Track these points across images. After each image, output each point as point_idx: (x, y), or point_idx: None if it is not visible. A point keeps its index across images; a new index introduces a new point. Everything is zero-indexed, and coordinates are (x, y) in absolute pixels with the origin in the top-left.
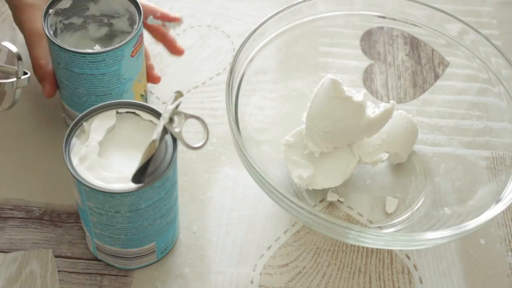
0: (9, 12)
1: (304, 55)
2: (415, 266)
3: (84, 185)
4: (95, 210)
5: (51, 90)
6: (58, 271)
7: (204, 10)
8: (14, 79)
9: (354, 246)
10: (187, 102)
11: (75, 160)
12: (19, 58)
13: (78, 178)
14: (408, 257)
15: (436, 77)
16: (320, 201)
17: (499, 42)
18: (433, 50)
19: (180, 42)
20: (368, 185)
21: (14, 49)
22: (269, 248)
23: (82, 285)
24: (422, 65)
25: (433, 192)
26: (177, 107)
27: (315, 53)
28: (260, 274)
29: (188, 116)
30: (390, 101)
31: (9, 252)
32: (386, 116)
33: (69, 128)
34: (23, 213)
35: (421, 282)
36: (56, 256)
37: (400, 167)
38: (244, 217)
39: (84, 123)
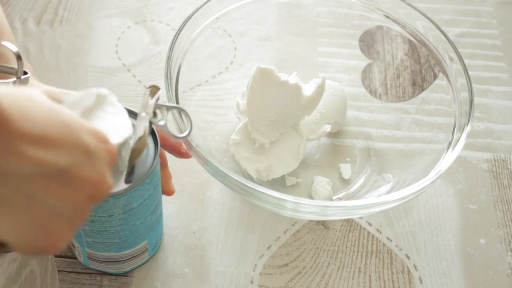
0: (9, 10)
1: (303, 55)
2: (415, 266)
3: None
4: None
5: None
6: (58, 271)
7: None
8: (14, 79)
9: (354, 246)
10: (190, 100)
11: None
12: (19, 58)
13: None
14: (408, 257)
15: (435, 76)
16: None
17: (499, 42)
18: (432, 49)
19: None
20: (318, 159)
21: (14, 49)
22: (269, 248)
23: (82, 285)
24: (421, 64)
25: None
26: (156, 101)
27: (314, 53)
28: (260, 274)
29: (169, 108)
30: (320, 75)
31: (9, 252)
32: (320, 91)
33: None
34: None
35: (421, 282)
36: (56, 256)
37: (339, 134)
38: (244, 217)
39: None
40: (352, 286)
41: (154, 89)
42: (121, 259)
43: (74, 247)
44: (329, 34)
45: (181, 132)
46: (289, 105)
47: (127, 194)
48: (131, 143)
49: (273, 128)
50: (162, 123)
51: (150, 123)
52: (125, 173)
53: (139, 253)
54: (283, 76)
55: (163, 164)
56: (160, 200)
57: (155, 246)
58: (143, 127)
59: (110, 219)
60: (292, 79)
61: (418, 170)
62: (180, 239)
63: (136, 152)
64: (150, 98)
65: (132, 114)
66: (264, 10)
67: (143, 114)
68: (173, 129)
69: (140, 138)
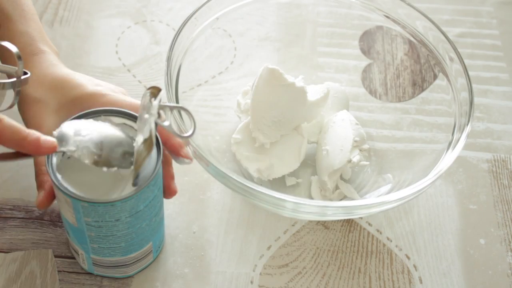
0: None
1: (303, 55)
2: (415, 266)
3: (82, 201)
4: (94, 224)
5: (45, 201)
6: (58, 271)
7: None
8: (14, 79)
9: (354, 246)
10: (190, 100)
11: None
12: (19, 58)
13: (74, 196)
14: (408, 257)
15: (435, 76)
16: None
17: (499, 42)
18: (432, 49)
19: None
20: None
21: (14, 49)
22: (269, 248)
23: (82, 285)
24: (421, 64)
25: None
26: (159, 101)
27: (314, 53)
28: (260, 274)
29: (173, 108)
30: (325, 82)
31: (9, 252)
32: (323, 104)
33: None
34: (23, 213)
35: (421, 282)
36: (56, 256)
37: None
38: (244, 217)
39: None
40: (352, 286)
41: (154, 90)
42: (127, 263)
43: (78, 254)
44: (329, 34)
45: (182, 132)
46: (293, 107)
47: (133, 197)
48: (136, 146)
49: (275, 128)
50: (166, 123)
51: (156, 124)
52: (132, 176)
53: (144, 255)
54: (289, 78)
55: (167, 162)
56: (162, 201)
57: (159, 247)
58: (148, 129)
59: (117, 223)
60: (299, 82)
61: (418, 170)
62: (180, 239)
63: (143, 154)
64: (153, 99)
65: (131, 117)
66: (264, 10)
67: (146, 116)
68: (177, 129)
69: (145, 140)
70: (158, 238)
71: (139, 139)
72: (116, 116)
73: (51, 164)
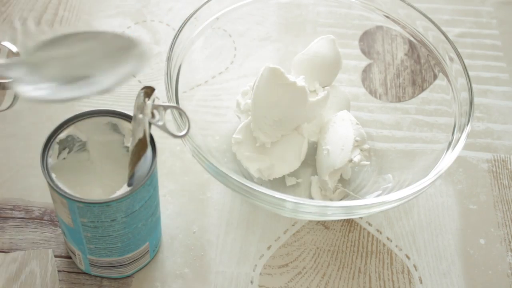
0: (9, 10)
1: None
2: (415, 266)
3: (78, 201)
4: (90, 225)
5: None
6: (58, 271)
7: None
8: None
9: (354, 246)
10: (190, 100)
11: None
12: None
13: (70, 196)
14: (408, 257)
15: (435, 76)
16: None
17: (499, 42)
18: (432, 49)
19: None
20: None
21: (14, 49)
22: (269, 248)
23: (82, 285)
24: (421, 64)
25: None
26: (153, 101)
27: None
28: (260, 274)
29: (167, 108)
30: (325, 87)
31: (9, 252)
32: (325, 98)
33: (43, 148)
34: (23, 213)
35: (421, 282)
36: (56, 256)
37: None
38: (244, 217)
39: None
40: (352, 286)
41: (148, 90)
42: (124, 263)
43: (75, 255)
44: (329, 34)
45: (181, 131)
46: (294, 106)
47: (129, 197)
48: (130, 146)
49: (276, 128)
50: (160, 123)
51: (150, 124)
52: (127, 176)
53: (141, 255)
54: (290, 78)
55: None
56: (158, 201)
57: (156, 247)
58: (142, 128)
59: (113, 224)
60: (300, 81)
61: (418, 170)
62: (180, 239)
63: (137, 154)
64: (146, 99)
65: (126, 117)
66: (264, 10)
67: (140, 116)
68: (172, 128)
69: (140, 140)
70: (155, 238)
71: (134, 139)
72: (108, 116)
73: (46, 164)
